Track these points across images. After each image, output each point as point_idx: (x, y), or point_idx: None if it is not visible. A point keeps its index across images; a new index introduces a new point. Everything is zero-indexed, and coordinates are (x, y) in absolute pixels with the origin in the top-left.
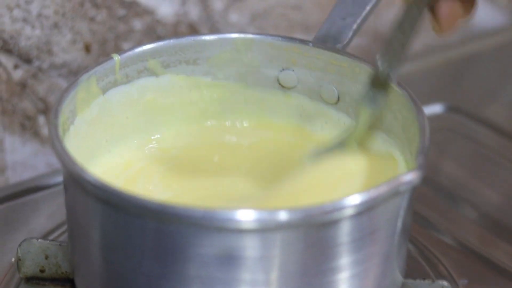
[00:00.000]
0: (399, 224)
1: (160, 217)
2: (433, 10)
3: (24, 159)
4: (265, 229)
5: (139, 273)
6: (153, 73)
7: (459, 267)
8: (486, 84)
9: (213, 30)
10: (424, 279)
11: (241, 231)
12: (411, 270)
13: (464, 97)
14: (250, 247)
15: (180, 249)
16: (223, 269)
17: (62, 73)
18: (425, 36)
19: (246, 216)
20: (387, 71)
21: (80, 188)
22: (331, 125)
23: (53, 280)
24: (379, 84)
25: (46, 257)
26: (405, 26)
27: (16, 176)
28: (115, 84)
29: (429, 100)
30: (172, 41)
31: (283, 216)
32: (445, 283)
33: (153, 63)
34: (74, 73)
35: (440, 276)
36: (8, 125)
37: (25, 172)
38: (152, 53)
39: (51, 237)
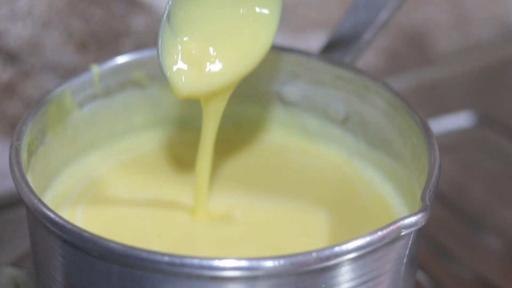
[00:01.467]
0: (403, 268)
1: (123, 261)
2: None
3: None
4: (245, 278)
5: None
6: (138, 85)
7: None
8: None
9: None
10: None
11: (215, 280)
12: None
13: (497, 107)
14: None
15: None
16: None
17: (56, 75)
18: (455, 36)
19: (223, 264)
20: None
21: (40, 224)
22: (336, 146)
23: None
24: None
25: (17, 286)
26: None
27: (7, 185)
28: (94, 98)
29: (458, 108)
30: None
31: (269, 264)
32: None
33: (138, 74)
34: (69, 75)
35: None
36: None
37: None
38: (137, 64)
39: (25, 262)
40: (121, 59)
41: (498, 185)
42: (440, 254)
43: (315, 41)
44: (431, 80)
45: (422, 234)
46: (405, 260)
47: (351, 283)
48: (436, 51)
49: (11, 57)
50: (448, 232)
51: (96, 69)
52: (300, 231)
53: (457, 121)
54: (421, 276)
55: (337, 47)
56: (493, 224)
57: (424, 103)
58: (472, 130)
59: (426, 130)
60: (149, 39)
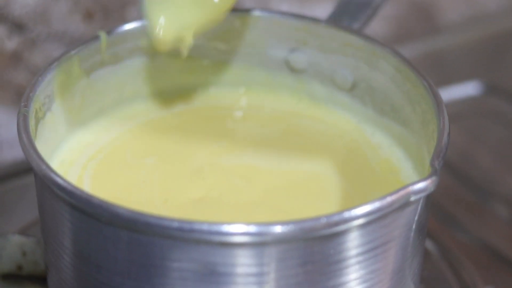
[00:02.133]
0: (412, 234)
1: (132, 226)
2: None
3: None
4: (254, 244)
5: (112, 286)
6: (146, 52)
7: (485, 272)
8: None
9: None
10: None
11: (224, 246)
12: (431, 276)
13: (504, 76)
14: (237, 263)
15: (156, 262)
16: (204, 286)
17: (62, 44)
18: (462, 5)
19: (231, 229)
20: None
21: (49, 190)
22: (345, 112)
23: (31, 277)
24: None
25: (24, 254)
26: None
27: (13, 154)
28: (101, 65)
29: (466, 78)
30: None
31: (278, 229)
32: None
33: (146, 41)
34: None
35: (463, 282)
36: (0, 98)
37: (19, 150)
38: (145, 31)
39: (32, 230)
40: (128, 26)
41: (505, 153)
42: (448, 222)
43: (322, 10)
44: (438, 49)
45: (431, 201)
46: (414, 227)
47: (360, 249)
48: (443, 20)
49: (17, 25)
50: (455, 200)
51: (103, 36)
52: (309, 196)
53: (464, 90)
54: (429, 244)
55: (345, 14)
56: (500, 192)
57: (431, 72)
58: (479, 99)
59: (435, 95)
60: None
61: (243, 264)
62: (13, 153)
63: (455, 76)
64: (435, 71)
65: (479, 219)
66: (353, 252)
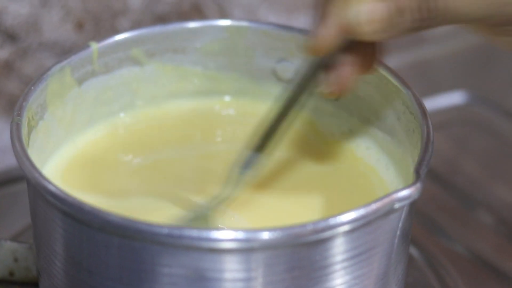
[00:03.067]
0: (396, 241)
1: (123, 233)
2: (330, 68)
3: (9, 144)
4: (242, 250)
5: None
6: (136, 62)
7: (469, 279)
8: None
9: (220, 10)
10: None
11: (213, 251)
12: (414, 283)
13: (490, 86)
14: (226, 269)
15: (146, 267)
16: None
17: (54, 53)
18: None
19: (220, 236)
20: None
21: (41, 197)
22: (330, 121)
23: (23, 283)
24: (260, 146)
25: (16, 260)
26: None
27: (4, 162)
28: (93, 74)
29: (451, 87)
30: (157, 28)
31: (265, 236)
32: None
33: (137, 51)
34: (66, 53)
35: None
36: None
37: (11, 157)
38: (135, 41)
39: (24, 236)
40: (119, 37)
41: (489, 161)
42: (433, 229)
43: (309, 21)
44: (424, 59)
45: (415, 208)
46: (398, 233)
47: (346, 255)
48: (429, 31)
49: (9, 35)
50: (440, 208)
51: (95, 46)
52: (294, 204)
53: (449, 99)
54: (413, 251)
55: None
56: (484, 199)
57: (416, 82)
58: (464, 108)
59: (419, 104)
60: (145, 18)
61: (232, 269)
62: (5, 160)
63: (440, 86)
64: (420, 80)
65: (463, 226)
66: (338, 258)
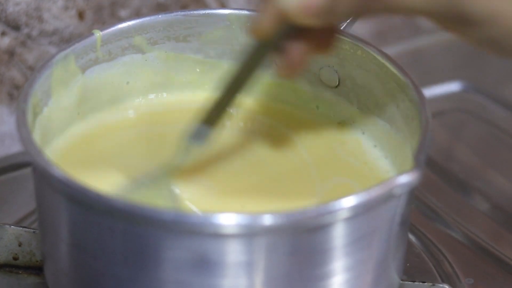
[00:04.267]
0: (395, 226)
1: (127, 218)
2: (281, 51)
3: (12, 131)
4: (245, 234)
5: (108, 275)
6: (139, 50)
7: (466, 264)
8: (510, 62)
9: (223, 2)
10: (423, 281)
11: (216, 236)
12: (413, 268)
13: (484, 76)
14: (228, 253)
15: (151, 252)
16: (198, 274)
17: (53, 41)
18: None
19: (223, 221)
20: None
21: (46, 182)
22: (329, 109)
23: (27, 268)
24: (210, 119)
25: (20, 245)
26: (247, 67)
27: (4, 149)
28: (96, 62)
29: (446, 77)
30: (160, 16)
31: (268, 220)
32: (446, 286)
33: (139, 39)
34: (66, 41)
35: (445, 274)
36: None
37: (13, 144)
38: (138, 29)
39: (28, 221)
40: (122, 25)
41: (485, 148)
42: (430, 216)
43: None
44: (420, 48)
45: (413, 195)
46: (397, 219)
47: (346, 240)
48: (425, 20)
49: (10, 23)
50: (437, 195)
51: (98, 34)
52: (293, 191)
53: (445, 88)
54: (411, 237)
55: None
56: (480, 186)
57: (413, 71)
58: (460, 97)
59: (418, 92)
60: (145, 8)
61: (234, 253)
62: (8, 146)
63: (436, 75)
64: (417, 69)
65: (460, 213)
66: (339, 242)
